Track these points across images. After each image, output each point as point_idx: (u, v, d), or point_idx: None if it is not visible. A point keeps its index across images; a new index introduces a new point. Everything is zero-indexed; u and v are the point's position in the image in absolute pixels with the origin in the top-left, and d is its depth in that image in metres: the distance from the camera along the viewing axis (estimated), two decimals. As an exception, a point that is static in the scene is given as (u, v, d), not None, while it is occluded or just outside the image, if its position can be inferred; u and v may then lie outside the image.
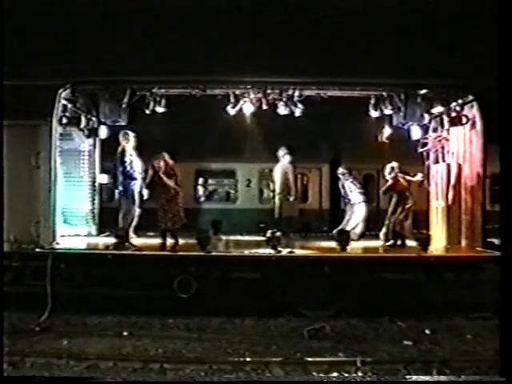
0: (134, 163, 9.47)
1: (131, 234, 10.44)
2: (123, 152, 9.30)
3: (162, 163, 9.53)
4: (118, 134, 9.66)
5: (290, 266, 9.02)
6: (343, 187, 11.45)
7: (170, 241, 9.66)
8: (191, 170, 14.54)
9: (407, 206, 10.03)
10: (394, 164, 10.20)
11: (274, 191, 11.89)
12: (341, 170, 11.48)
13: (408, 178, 10.28)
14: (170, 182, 9.51)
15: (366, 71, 9.87)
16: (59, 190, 9.52)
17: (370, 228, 11.52)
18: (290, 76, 9.94)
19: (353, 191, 11.26)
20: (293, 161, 11.52)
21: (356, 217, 11.16)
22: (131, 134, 9.49)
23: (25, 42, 9.88)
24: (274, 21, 11.04)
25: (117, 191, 9.60)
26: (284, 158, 11.43)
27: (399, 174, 10.12)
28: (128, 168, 9.34)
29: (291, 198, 11.34)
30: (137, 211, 10.29)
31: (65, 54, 10.10)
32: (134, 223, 10.45)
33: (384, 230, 10.39)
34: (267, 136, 13.40)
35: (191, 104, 10.83)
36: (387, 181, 10.23)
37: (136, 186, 9.62)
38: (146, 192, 10.19)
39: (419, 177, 10.56)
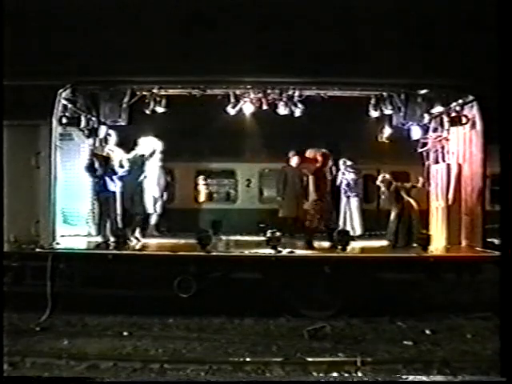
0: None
1: (155, 233, 11.50)
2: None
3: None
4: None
5: (290, 266, 9.02)
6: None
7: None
8: (191, 170, 14.53)
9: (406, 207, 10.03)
10: (387, 176, 10.19)
11: (278, 192, 11.85)
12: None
13: (406, 185, 10.23)
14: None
15: (366, 71, 9.86)
16: (59, 189, 9.52)
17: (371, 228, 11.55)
18: (290, 76, 9.95)
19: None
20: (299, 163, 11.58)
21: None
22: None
23: (25, 41, 9.87)
24: (275, 21, 11.02)
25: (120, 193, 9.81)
26: (292, 160, 11.48)
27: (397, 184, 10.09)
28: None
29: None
30: (158, 212, 11.49)
31: (65, 53, 10.08)
32: (153, 222, 11.61)
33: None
34: (267, 136, 13.39)
35: (191, 104, 10.83)
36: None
37: (153, 188, 10.97)
38: (165, 194, 11.70)
39: (420, 183, 10.41)
